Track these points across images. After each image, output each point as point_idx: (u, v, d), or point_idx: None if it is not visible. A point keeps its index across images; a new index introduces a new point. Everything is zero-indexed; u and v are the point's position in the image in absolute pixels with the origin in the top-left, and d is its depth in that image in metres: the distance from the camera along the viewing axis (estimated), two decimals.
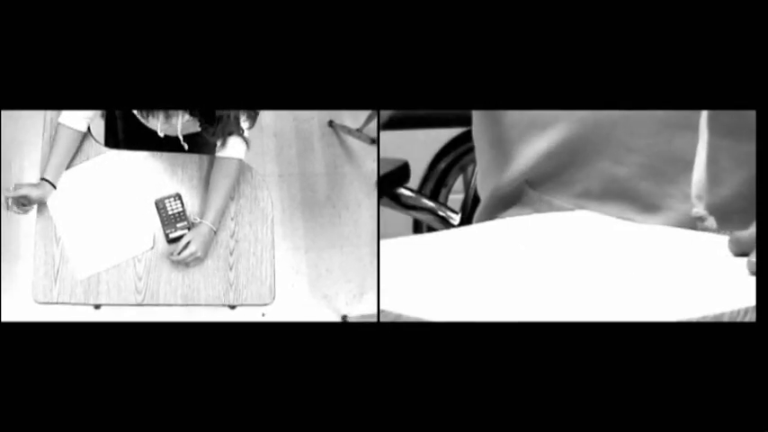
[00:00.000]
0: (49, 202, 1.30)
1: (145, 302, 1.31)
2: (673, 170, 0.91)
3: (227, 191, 1.35)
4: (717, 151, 0.89)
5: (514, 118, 0.94)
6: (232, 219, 1.38)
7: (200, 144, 1.37)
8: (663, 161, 0.92)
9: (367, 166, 2.29)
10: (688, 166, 0.89)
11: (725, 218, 0.90)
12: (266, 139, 2.24)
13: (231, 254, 1.36)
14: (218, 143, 1.31)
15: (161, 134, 1.30)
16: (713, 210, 0.91)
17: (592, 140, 0.90)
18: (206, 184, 1.37)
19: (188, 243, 1.30)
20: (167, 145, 1.35)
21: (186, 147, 1.33)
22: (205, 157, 1.39)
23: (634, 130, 0.91)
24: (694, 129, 0.88)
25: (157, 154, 1.38)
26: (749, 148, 0.89)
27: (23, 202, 1.26)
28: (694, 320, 0.61)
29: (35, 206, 1.28)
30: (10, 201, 1.24)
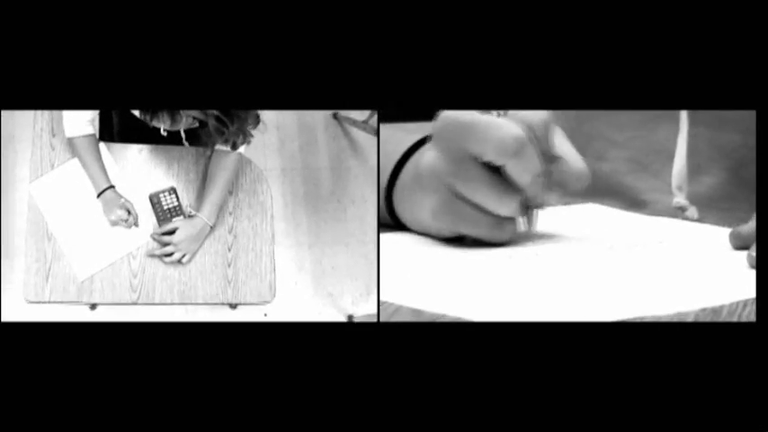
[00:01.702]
0: (38, 200, 1.27)
1: (140, 301, 1.28)
2: (657, 163, 0.93)
3: (224, 184, 1.32)
4: (697, 140, 0.91)
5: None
6: (230, 213, 1.35)
7: (198, 137, 1.32)
8: (646, 154, 0.93)
9: (373, 160, 2.26)
10: (671, 157, 0.92)
11: (709, 205, 0.91)
12: (268, 133, 2.20)
13: (229, 250, 1.33)
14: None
15: (163, 133, 1.27)
16: (697, 199, 0.92)
17: (574, 135, 0.89)
18: (203, 177, 1.34)
19: (174, 230, 1.28)
20: (164, 138, 1.31)
21: (187, 144, 1.31)
22: (202, 150, 1.36)
23: (616, 123, 0.92)
24: (676, 120, 0.90)
25: (152, 146, 1.35)
26: (729, 136, 0.90)
27: (124, 217, 1.27)
28: (693, 312, 0.61)
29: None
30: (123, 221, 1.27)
